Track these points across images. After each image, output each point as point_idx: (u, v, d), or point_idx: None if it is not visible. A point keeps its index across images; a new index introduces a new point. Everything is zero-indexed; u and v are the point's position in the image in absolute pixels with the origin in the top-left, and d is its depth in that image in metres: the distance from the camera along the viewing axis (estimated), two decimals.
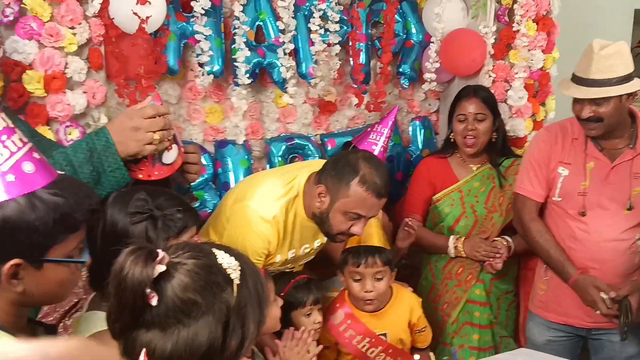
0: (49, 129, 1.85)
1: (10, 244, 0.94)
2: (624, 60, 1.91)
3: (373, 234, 1.95)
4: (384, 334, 1.98)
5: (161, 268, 0.83)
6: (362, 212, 1.72)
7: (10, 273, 0.95)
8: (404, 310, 2.02)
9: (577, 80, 1.96)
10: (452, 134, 2.37)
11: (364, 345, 1.95)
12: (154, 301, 0.82)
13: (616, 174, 2.01)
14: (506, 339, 2.36)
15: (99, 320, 1.15)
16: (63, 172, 1.07)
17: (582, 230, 2.02)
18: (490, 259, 2.23)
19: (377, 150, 2.31)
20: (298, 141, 2.45)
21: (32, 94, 1.81)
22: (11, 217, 0.94)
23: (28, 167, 0.98)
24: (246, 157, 2.33)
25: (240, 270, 0.89)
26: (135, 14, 1.85)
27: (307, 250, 1.90)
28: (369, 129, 2.43)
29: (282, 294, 1.85)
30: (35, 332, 1.04)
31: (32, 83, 1.79)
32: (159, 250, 0.86)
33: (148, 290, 0.82)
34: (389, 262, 1.93)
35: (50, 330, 1.09)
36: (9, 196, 0.94)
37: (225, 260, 0.89)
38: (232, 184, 2.26)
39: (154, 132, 1.30)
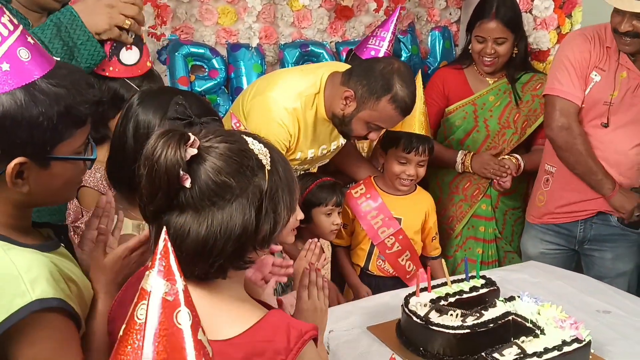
0: None
1: (12, 142, 0.86)
2: None
3: (415, 122, 1.98)
4: (399, 219, 2.06)
5: (193, 151, 0.82)
6: (384, 125, 1.77)
7: (14, 173, 0.88)
8: (422, 206, 2.12)
9: None
10: (470, 46, 2.29)
11: (377, 222, 2.02)
12: (187, 183, 0.82)
13: None
14: (510, 254, 2.41)
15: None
16: (59, 60, 0.96)
17: (600, 142, 1.99)
18: (498, 177, 2.23)
19: (380, 55, 2.21)
20: (313, 48, 2.38)
21: None
22: (9, 112, 0.85)
23: (24, 53, 0.87)
24: (259, 61, 2.28)
25: (270, 157, 0.89)
26: None
27: (325, 151, 1.91)
28: (370, 35, 2.34)
29: (306, 192, 1.89)
30: (41, 234, 1.00)
31: None
32: (191, 134, 0.84)
33: (181, 172, 0.81)
34: (432, 151, 2.05)
35: (60, 230, 1.07)
36: (4, 89, 0.85)
37: (255, 146, 0.88)
38: (244, 88, 2.21)
39: (126, 17, 1.29)
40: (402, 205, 2.08)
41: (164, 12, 1.96)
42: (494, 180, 2.25)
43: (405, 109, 1.72)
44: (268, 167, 0.87)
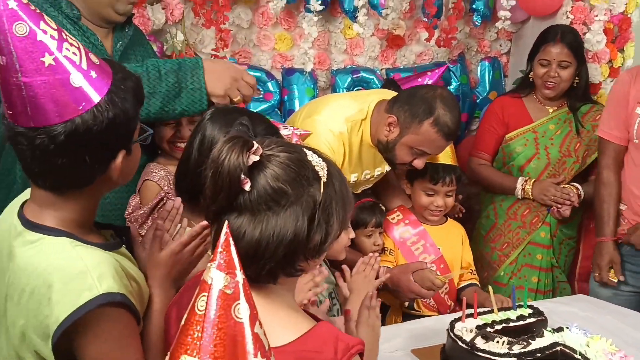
0: None
1: (117, 138, 0.96)
2: None
3: (444, 153, 1.97)
4: (438, 248, 2.03)
5: (255, 158, 0.87)
6: (429, 150, 1.76)
7: (121, 166, 0.97)
8: (456, 237, 2.08)
9: None
10: (531, 74, 2.29)
11: (418, 249, 2.00)
12: (247, 186, 0.86)
13: None
14: (563, 284, 2.36)
15: None
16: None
17: None
18: (558, 205, 2.20)
19: None
20: (364, 74, 2.44)
21: None
22: (115, 112, 0.93)
23: (93, 57, 0.95)
24: (312, 86, 2.35)
25: (327, 170, 0.92)
26: None
27: (368, 176, 1.94)
28: (419, 78, 2.38)
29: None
30: (103, 235, 1.06)
31: None
32: (254, 142, 0.89)
33: (242, 176, 0.86)
34: (459, 180, 2.01)
35: (121, 231, 1.13)
36: (100, 95, 0.92)
37: (314, 158, 0.92)
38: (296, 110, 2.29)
39: (241, 94, 1.39)
40: (436, 235, 2.04)
41: (226, 37, 2.06)
42: (553, 208, 2.22)
43: (448, 132, 1.72)
44: (324, 179, 0.91)
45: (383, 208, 2.03)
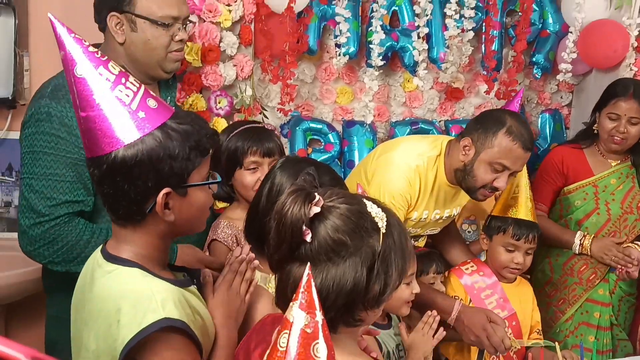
0: (202, 96, 2.04)
1: (157, 175, 1.00)
2: None
3: (522, 206, 1.96)
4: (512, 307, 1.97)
5: (316, 209, 0.92)
6: (508, 162, 1.73)
7: (163, 203, 1.02)
8: (528, 297, 2.02)
9: None
10: (595, 125, 2.25)
11: (491, 302, 1.94)
12: (308, 237, 0.91)
13: None
14: (623, 342, 2.25)
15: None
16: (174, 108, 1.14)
17: None
18: (620, 266, 2.13)
19: None
20: (422, 125, 2.49)
21: (189, 64, 2.00)
22: (154, 149, 1.00)
23: (152, 102, 1.03)
24: (371, 137, 2.41)
25: (387, 221, 0.95)
26: None
27: (438, 217, 1.94)
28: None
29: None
30: (175, 275, 1.12)
31: (191, 54, 1.97)
32: (317, 194, 0.94)
33: (304, 227, 0.90)
34: (539, 239, 1.98)
35: (193, 274, 1.18)
36: (142, 132, 1.00)
37: (373, 209, 0.95)
38: (356, 162, 2.35)
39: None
40: (510, 293, 1.99)
41: (292, 91, 2.17)
42: (621, 268, 2.14)
43: (524, 140, 1.71)
44: (383, 230, 0.93)
45: (441, 256, 2.02)
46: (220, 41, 2.02)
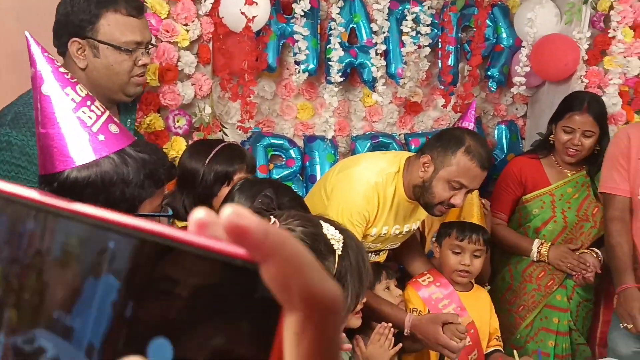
0: (160, 115, 2.04)
1: (108, 198, 1.00)
2: None
3: (474, 213, 2.02)
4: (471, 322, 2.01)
5: None
6: (465, 181, 1.77)
7: None
8: (485, 303, 2.07)
9: None
10: (551, 137, 2.32)
11: (449, 312, 1.97)
12: None
13: None
14: (582, 346, 2.32)
15: None
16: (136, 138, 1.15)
17: None
18: (575, 272, 2.20)
19: None
20: (382, 139, 2.53)
21: (147, 84, 2.00)
22: (108, 172, 1.01)
23: (113, 128, 1.05)
24: (333, 152, 2.44)
25: (343, 242, 0.97)
26: (242, 13, 2.01)
27: (397, 232, 1.97)
28: (453, 126, 2.45)
29: None
30: None
31: (149, 73, 1.97)
32: (272, 217, 0.96)
33: None
34: (487, 243, 2.02)
35: None
36: (99, 155, 1.01)
37: (330, 231, 0.98)
38: (318, 176, 2.37)
39: None
40: (466, 301, 2.03)
41: (252, 109, 2.18)
42: (577, 274, 2.21)
43: (481, 160, 1.75)
44: (339, 252, 0.96)
45: (387, 264, 2.05)
46: (178, 60, 2.03)
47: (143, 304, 0.24)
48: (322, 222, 0.99)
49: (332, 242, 0.96)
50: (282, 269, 0.23)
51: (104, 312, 0.24)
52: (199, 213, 0.25)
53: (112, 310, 0.24)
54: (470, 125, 2.38)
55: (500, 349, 2.06)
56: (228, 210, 0.24)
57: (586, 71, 2.53)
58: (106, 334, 0.24)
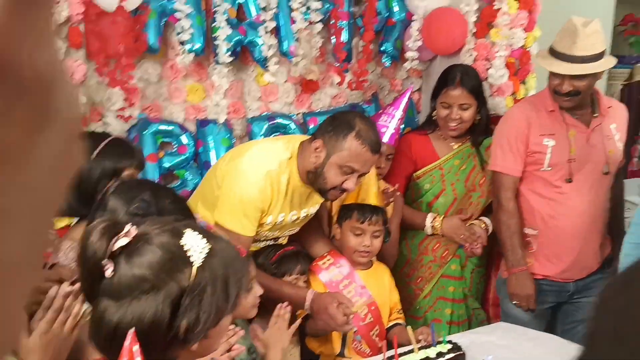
0: None
1: None
2: (601, 38, 2.05)
3: (371, 194, 2.03)
4: (369, 291, 2.04)
5: (122, 242, 0.87)
6: (357, 166, 1.78)
7: None
8: (384, 280, 2.11)
9: (558, 55, 2.02)
10: (434, 112, 2.38)
11: (350, 292, 2.00)
12: (108, 272, 0.86)
13: (594, 137, 2.14)
14: (477, 310, 2.44)
15: None
16: None
17: (565, 196, 2.12)
18: (469, 244, 2.28)
19: (388, 132, 2.30)
20: (280, 120, 2.47)
21: None
22: None
23: None
24: (227, 136, 2.35)
25: (207, 252, 0.90)
26: None
27: (295, 217, 1.94)
28: (381, 111, 2.43)
29: (271, 261, 1.91)
30: None
31: None
32: (127, 225, 0.88)
33: (104, 261, 0.86)
34: (385, 223, 2.06)
35: None
36: None
37: (189, 240, 0.90)
38: (213, 162, 2.27)
39: None
40: (366, 279, 2.07)
41: (133, 94, 2.04)
42: (466, 247, 2.29)
43: (372, 144, 1.77)
44: (198, 264, 0.89)
45: (306, 255, 2.04)
46: None
47: None
48: (189, 230, 0.92)
49: (190, 252, 0.89)
50: None
51: None
52: None
53: None
54: (397, 112, 2.34)
55: (402, 321, 2.11)
56: None
57: (475, 44, 2.58)
58: None
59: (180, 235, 0.91)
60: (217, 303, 0.90)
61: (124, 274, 0.86)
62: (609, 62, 2.05)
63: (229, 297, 0.93)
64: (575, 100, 2.07)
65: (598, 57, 2.01)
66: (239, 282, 0.95)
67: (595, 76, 2.04)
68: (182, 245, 0.89)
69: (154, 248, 0.88)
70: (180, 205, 1.28)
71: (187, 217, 1.25)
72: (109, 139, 1.63)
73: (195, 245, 0.90)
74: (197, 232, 0.92)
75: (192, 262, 0.89)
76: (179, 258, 0.88)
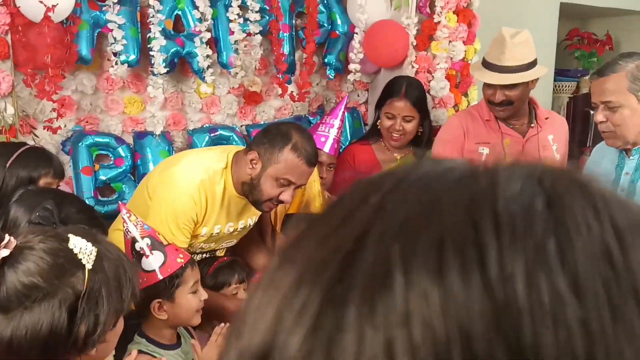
0: None
1: None
2: (531, 47, 2.08)
3: (315, 202, 2.02)
4: None
5: (4, 252, 0.83)
6: (293, 178, 1.76)
7: None
8: None
9: (489, 66, 2.06)
10: (378, 122, 2.39)
11: None
12: None
13: (529, 147, 2.16)
14: None
15: None
16: None
17: None
18: None
19: (328, 142, 2.29)
20: (222, 132, 2.45)
21: None
22: None
23: None
24: (167, 148, 2.32)
25: (95, 255, 0.89)
26: (41, 2, 1.82)
27: (232, 229, 1.91)
28: (319, 122, 2.43)
29: (207, 274, 1.87)
30: None
31: None
32: (7, 235, 0.86)
33: None
34: None
35: None
36: None
37: (77, 244, 0.89)
38: None
39: None
40: None
41: (66, 106, 2.00)
42: None
43: (308, 157, 1.75)
44: (89, 267, 0.88)
45: (243, 263, 2.01)
46: None
47: None
48: (71, 235, 0.91)
49: (80, 255, 0.88)
50: None
51: None
52: None
53: None
54: (335, 121, 2.33)
55: None
56: None
57: (416, 56, 2.61)
58: None
59: (65, 239, 0.89)
60: (113, 304, 0.89)
61: (12, 284, 0.83)
62: (539, 71, 2.09)
63: (123, 298, 0.92)
64: (509, 109, 2.11)
65: (528, 66, 2.05)
66: (130, 281, 0.94)
67: (527, 85, 2.08)
68: (71, 249, 0.88)
69: (41, 254, 0.85)
70: (87, 215, 1.26)
71: (95, 227, 1.22)
72: (23, 147, 1.59)
73: (83, 248, 0.89)
74: (81, 236, 0.91)
75: (84, 265, 0.87)
76: (70, 262, 0.87)
